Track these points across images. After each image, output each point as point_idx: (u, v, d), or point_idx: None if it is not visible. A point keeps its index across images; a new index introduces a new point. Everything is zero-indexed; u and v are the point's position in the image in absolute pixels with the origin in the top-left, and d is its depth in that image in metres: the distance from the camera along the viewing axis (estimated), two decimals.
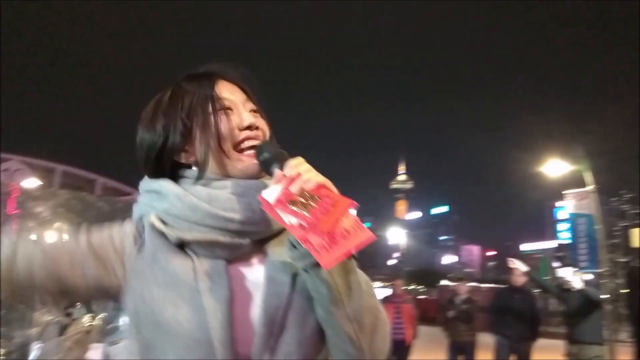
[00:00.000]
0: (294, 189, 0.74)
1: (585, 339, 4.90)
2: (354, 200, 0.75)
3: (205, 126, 0.86)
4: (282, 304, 0.80)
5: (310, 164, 0.78)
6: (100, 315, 4.29)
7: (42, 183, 12.27)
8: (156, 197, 0.87)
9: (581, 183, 11.57)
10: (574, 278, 5.11)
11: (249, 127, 0.88)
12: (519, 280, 5.74)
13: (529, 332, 5.59)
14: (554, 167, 11.79)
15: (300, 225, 0.72)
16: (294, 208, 0.73)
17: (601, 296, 6.66)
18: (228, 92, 0.89)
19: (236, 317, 0.78)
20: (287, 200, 0.73)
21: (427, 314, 21.16)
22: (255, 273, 0.84)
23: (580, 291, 5.02)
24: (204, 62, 0.95)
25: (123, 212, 4.37)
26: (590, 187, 11.75)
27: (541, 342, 5.81)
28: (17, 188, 4.23)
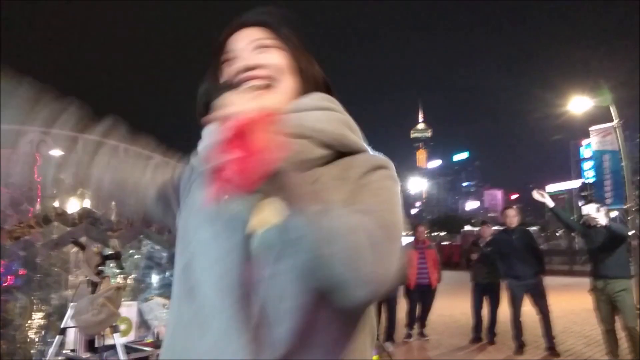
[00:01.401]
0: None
1: (611, 274, 4.89)
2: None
3: (215, 78, 0.93)
4: None
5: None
6: (132, 275, 4.44)
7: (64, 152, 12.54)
8: (201, 140, 0.93)
9: (606, 119, 11.24)
10: (599, 214, 5.05)
11: (247, 69, 0.89)
12: (513, 221, 5.91)
13: (534, 268, 5.66)
14: (578, 103, 11.43)
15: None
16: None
17: (627, 232, 6.61)
18: (240, 40, 0.92)
19: None
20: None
21: (451, 260, 21.49)
22: None
23: (605, 227, 4.96)
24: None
25: None
26: (614, 123, 11.41)
27: (566, 280, 5.84)
28: (40, 156, 4.31)
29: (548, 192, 5.75)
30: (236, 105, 0.72)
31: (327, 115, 0.87)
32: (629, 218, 12.65)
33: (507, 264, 5.77)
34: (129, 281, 4.38)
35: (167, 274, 4.67)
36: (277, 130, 0.70)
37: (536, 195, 5.49)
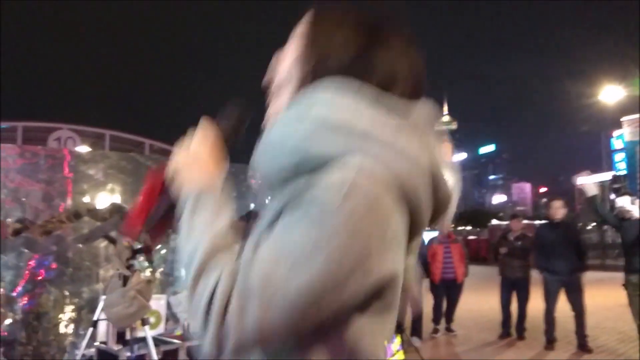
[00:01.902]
0: None
1: None
2: None
3: None
4: None
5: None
6: (161, 269, 4.51)
7: (92, 149, 12.76)
8: None
9: (638, 109, 10.87)
10: (633, 207, 4.89)
11: (264, 87, 0.87)
12: (558, 214, 5.63)
13: (575, 265, 5.47)
14: (610, 93, 11.11)
15: None
16: None
17: None
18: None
19: None
20: None
21: (479, 254, 21.17)
22: None
23: (638, 220, 4.81)
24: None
25: None
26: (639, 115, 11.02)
27: (598, 274, 5.70)
28: (69, 152, 4.40)
29: (578, 185, 5.58)
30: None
31: (290, 121, 0.72)
32: None
33: (545, 258, 5.58)
34: (157, 275, 4.45)
35: None
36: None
37: (581, 179, 5.31)
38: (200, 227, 0.69)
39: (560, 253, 5.44)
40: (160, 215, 0.81)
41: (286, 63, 0.81)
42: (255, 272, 0.59)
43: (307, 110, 0.69)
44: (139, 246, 3.37)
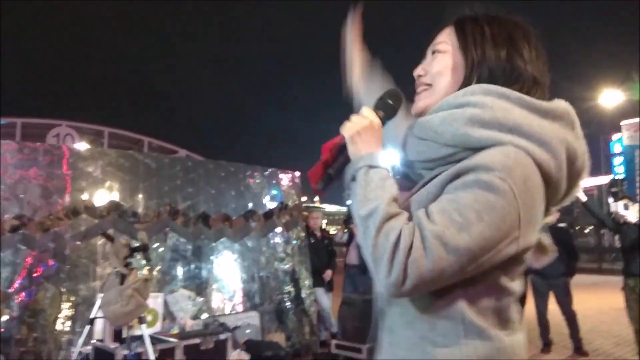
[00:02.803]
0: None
1: None
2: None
3: None
4: None
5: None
6: (158, 267, 4.50)
7: (91, 146, 12.73)
8: None
9: (638, 113, 10.90)
10: (627, 212, 4.90)
11: (417, 76, 1.06)
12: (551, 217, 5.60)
13: (563, 268, 5.44)
14: (609, 96, 11.14)
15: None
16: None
17: None
18: (433, 42, 1.05)
19: None
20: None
21: None
22: None
23: (637, 224, 4.82)
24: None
25: (170, 168, 4.44)
26: None
27: (595, 278, 5.70)
28: (68, 149, 4.38)
29: None
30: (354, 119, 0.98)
31: (453, 115, 0.90)
32: None
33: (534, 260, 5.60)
34: (155, 273, 4.44)
35: (192, 266, 4.72)
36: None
37: None
38: (376, 192, 0.87)
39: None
40: (337, 169, 0.98)
41: (440, 65, 1.01)
42: (432, 230, 0.78)
43: (463, 112, 0.89)
44: (137, 244, 3.36)
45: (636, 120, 11.26)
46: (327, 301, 6.29)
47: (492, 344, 0.86)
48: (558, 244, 5.94)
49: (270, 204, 5.46)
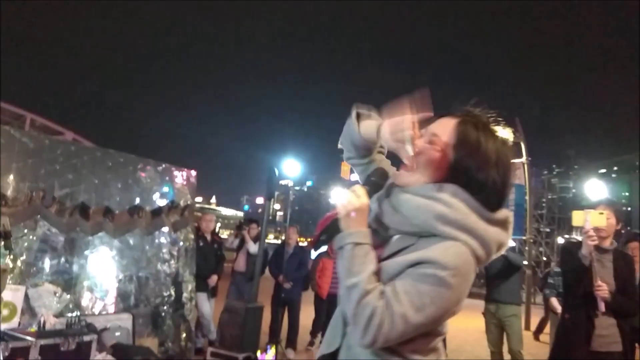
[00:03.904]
0: None
1: (503, 299, 5.22)
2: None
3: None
4: None
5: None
6: (23, 257, 4.08)
7: None
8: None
9: (518, 155, 12.08)
10: None
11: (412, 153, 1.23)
12: None
13: None
14: None
15: None
16: None
17: (523, 262, 7.09)
18: (434, 125, 1.23)
19: None
20: None
21: None
22: None
23: (503, 255, 5.28)
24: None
25: (50, 150, 4.04)
26: (523, 159, 12.30)
27: (466, 301, 6.11)
28: None
29: None
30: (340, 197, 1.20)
31: (427, 207, 1.13)
32: (526, 248, 13.64)
33: None
34: (18, 263, 4.02)
35: (63, 259, 4.34)
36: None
37: None
38: (359, 267, 1.12)
39: None
40: (330, 233, 1.21)
41: (429, 155, 1.19)
42: (397, 311, 1.05)
43: (434, 206, 1.13)
44: None
45: (521, 160, 12.51)
46: (208, 307, 6.12)
47: None
48: None
49: (160, 201, 5.21)
